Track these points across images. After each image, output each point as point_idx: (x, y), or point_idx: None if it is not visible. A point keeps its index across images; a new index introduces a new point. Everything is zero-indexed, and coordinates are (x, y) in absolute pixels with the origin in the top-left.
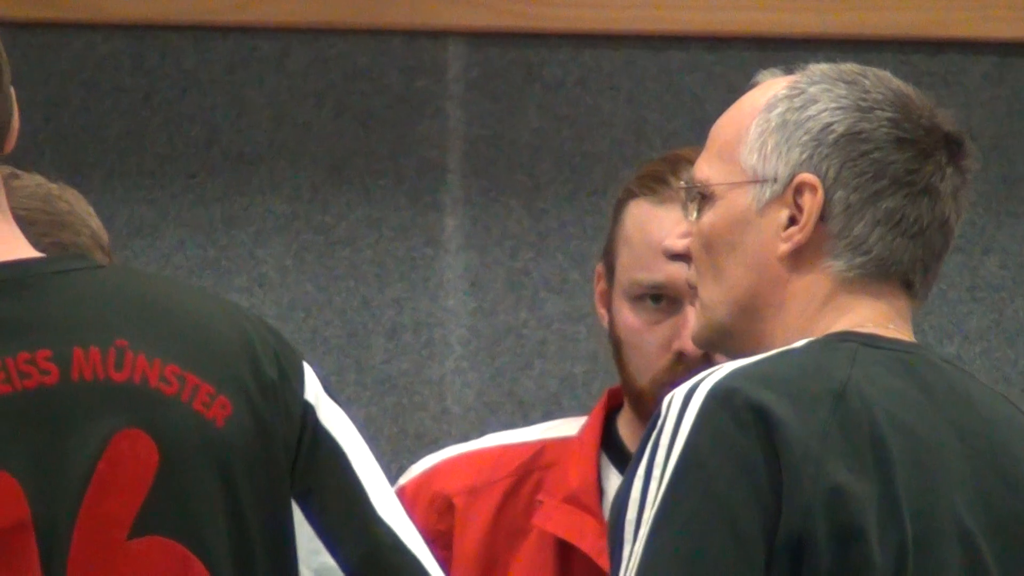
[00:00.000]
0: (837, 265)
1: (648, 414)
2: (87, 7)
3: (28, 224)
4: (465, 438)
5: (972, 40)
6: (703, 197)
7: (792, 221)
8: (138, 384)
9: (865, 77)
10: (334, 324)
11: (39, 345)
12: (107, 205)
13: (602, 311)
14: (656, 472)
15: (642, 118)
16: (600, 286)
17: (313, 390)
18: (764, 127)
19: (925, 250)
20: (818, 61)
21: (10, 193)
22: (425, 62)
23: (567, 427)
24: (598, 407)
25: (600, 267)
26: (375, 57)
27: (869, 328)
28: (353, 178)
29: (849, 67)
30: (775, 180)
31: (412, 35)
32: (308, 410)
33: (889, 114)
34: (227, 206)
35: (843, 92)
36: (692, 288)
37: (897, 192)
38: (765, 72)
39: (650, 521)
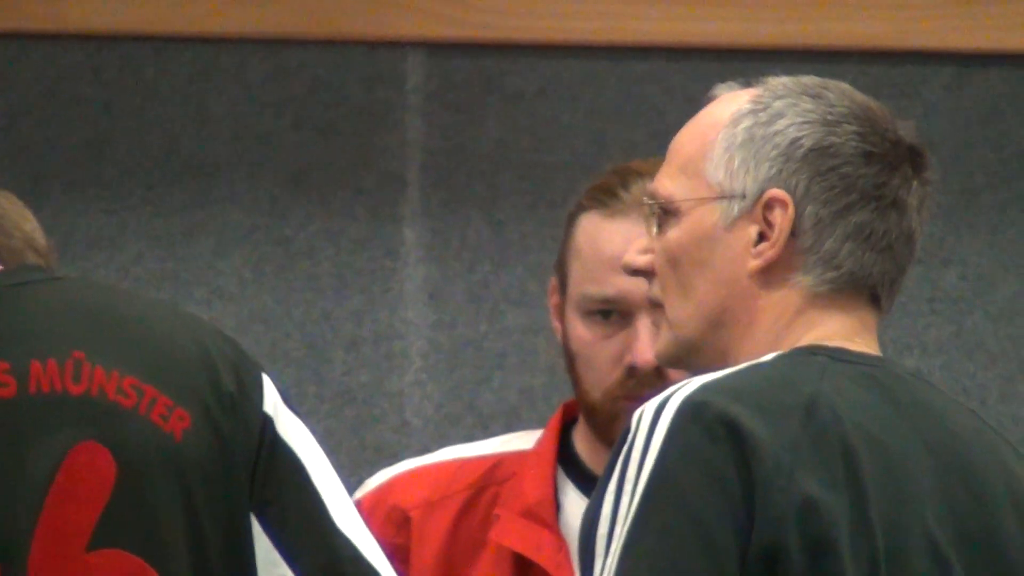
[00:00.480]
0: (807, 280)
1: (602, 427)
2: (47, 17)
3: None
4: (425, 451)
5: (932, 51)
6: (666, 213)
7: (762, 237)
8: (96, 396)
9: (828, 90)
10: (293, 336)
11: None
12: (66, 216)
13: (556, 324)
14: (628, 487)
15: (602, 129)
16: (554, 299)
17: (272, 402)
18: (730, 142)
19: (893, 263)
20: (779, 72)
21: None
22: (384, 73)
23: (523, 440)
24: (553, 420)
25: (554, 280)
26: (335, 68)
27: (836, 342)
28: (312, 190)
29: (810, 80)
30: (743, 196)
31: (372, 46)
32: (267, 423)
33: (855, 128)
34: (186, 218)
35: (809, 106)
36: (655, 305)
37: (866, 206)
38: (723, 85)
39: (623, 536)
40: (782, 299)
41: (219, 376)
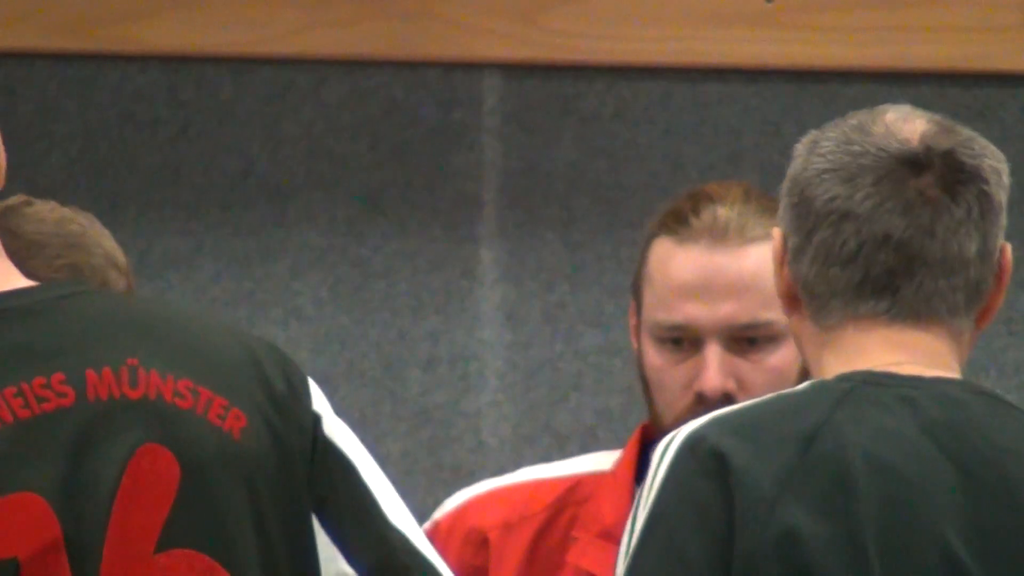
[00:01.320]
0: (807, 311)
1: None
2: (123, 39)
3: (41, 247)
4: (501, 471)
5: (1009, 73)
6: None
7: None
8: (153, 400)
9: (852, 116)
10: (370, 357)
11: (53, 369)
12: (143, 237)
13: (635, 345)
14: (635, 524)
15: (678, 151)
16: (632, 320)
17: (319, 402)
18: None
19: (868, 271)
20: (855, 94)
21: (23, 219)
22: (461, 94)
23: (602, 461)
24: (632, 441)
25: (633, 301)
26: (411, 89)
27: (884, 367)
28: (389, 210)
29: (856, 113)
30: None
31: (448, 67)
32: (317, 421)
33: (828, 147)
34: (263, 238)
35: (812, 137)
36: None
37: (820, 224)
38: None
39: (623, 573)
40: (807, 331)
41: (268, 377)
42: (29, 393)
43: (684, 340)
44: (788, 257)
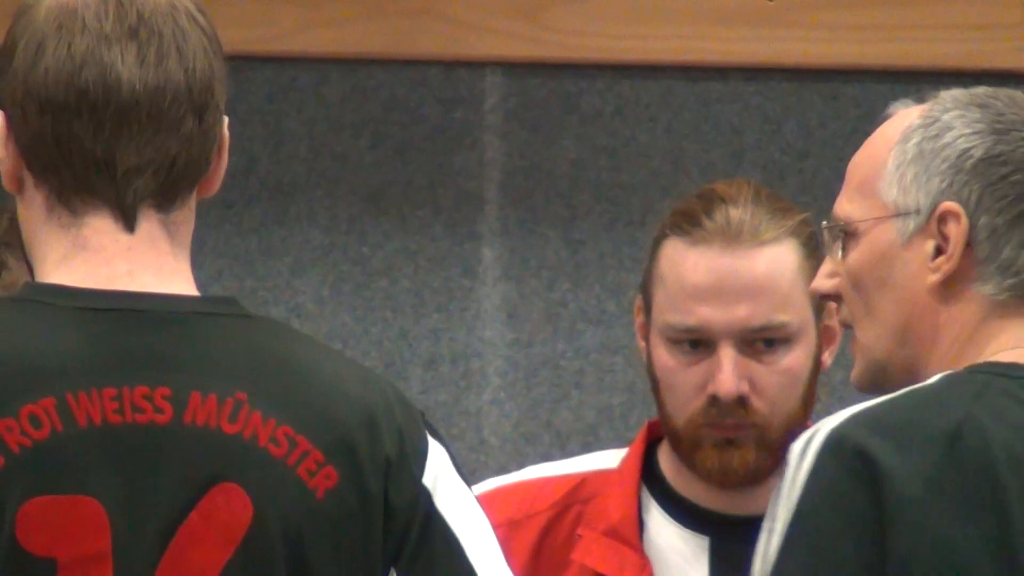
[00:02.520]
0: (987, 289)
1: (685, 452)
2: None
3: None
4: (503, 469)
5: (1010, 71)
6: (847, 235)
7: (938, 251)
8: (247, 440)
9: (997, 99)
10: (371, 355)
11: (160, 382)
12: None
13: (641, 343)
14: (777, 525)
15: (680, 149)
16: (639, 319)
17: (433, 472)
18: (901, 159)
19: None
20: (856, 92)
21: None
22: (462, 92)
23: (607, 459)
24: (638, 439)
25: (639, 300)
26: (412, 88)
27: (1011, 356)
28: (390, 209)
29: (982, 90)
30: (917, 212)
31: (449, 66)
32: (423, 495)
33: (1022, 133)
34: (264, 236)
35: (977, 116)
36: (847, 328)
37: None
38: (897, 104)
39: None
40: (962, 312)
41: (380, 439)
42: (127, 400)
43: (697, 342)
44: (973, 236)
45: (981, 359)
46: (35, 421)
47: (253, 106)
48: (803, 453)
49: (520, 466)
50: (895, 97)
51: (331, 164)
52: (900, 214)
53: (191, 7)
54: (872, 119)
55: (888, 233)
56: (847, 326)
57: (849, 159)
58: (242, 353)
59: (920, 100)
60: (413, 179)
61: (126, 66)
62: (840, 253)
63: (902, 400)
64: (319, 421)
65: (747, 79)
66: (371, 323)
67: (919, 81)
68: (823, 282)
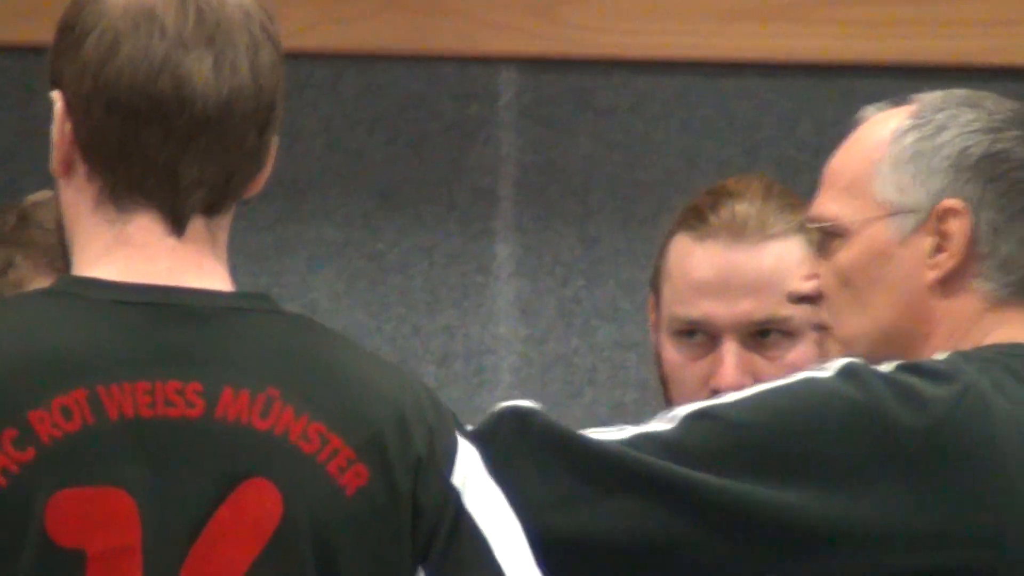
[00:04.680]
0: (988, 286)
1: None
2: None
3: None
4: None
5: None
6: (833, 235)
7: (938, 249)
8: (278, 436)
9: (985, 100)
10: (385, 351)
11: (192, 377)
12: None
13: (654, 339)
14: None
15: (695, 145)
16: (652, 316)
17: (463, 473)
18: (898, 158)
19: None
20: (871, 88)
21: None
22: (477, 89)
23: None
24: None
25: (651, 297)
26: (427, 84)
27: (1019, 339)
28: (405, 205)
29: (962, 92)
30: (917, 210)
31: (464, 62)
32: (452, 494)
33: (1018, 132)
34: (279, 233)
35: (972, 116)
36: (821, 329)
37: None
38: (869, 107)
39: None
40: (959, 308)
41: (411, 438)
42: (160, 394)
43: (701, 336)
44: (976, 232)
45: (981, 345)
46: (66, 413)
47: None
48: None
49: None
50: (910, 93)
51: (346, 160)
52: (898, 213)
53: (264, 18)
54: None
55: (883, 232)
56: (821, 328)
57: None
58: (275, 349)
59: (895, 103)
60: (427, 175)
61: (202, 77)
62: (824, 253)
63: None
64: (351, 419)
65: (762, 75)
66: (385, 320)
67: (936, 77)
68: (801, 285)
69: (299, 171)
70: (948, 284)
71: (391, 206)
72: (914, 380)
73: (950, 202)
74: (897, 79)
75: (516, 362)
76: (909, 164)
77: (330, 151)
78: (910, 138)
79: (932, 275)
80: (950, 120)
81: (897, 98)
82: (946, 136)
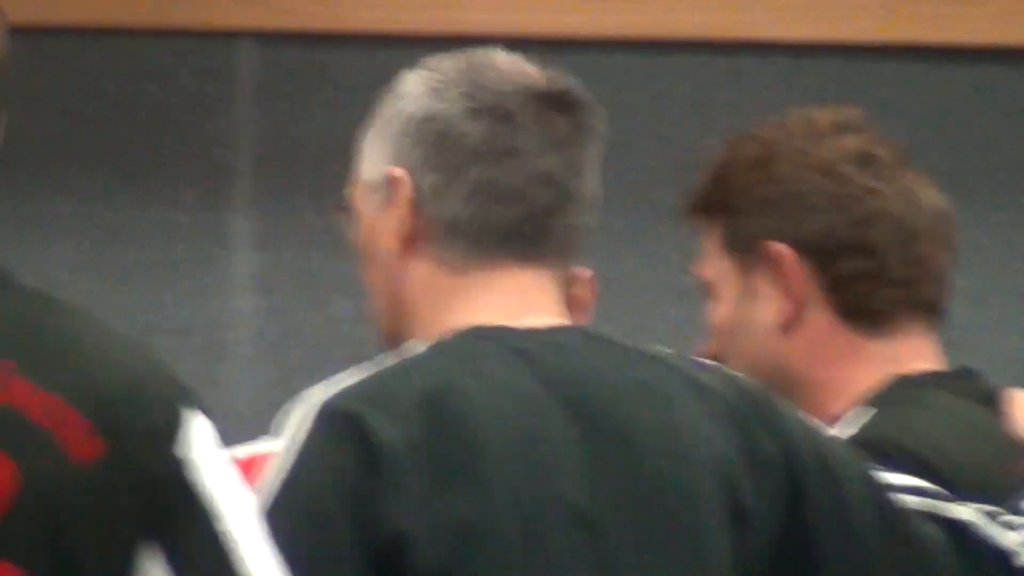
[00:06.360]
0: (442, 250)
1: None
2: None
3: None
4: (253, 439)
5: (766, 41)
6: (349, 213)
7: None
8: (15, 409)
9: (447, 60)
10: (122, 324)
11: None
12: None
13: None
14: (265, 496)
15: None
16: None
17: (196, 445)
18: (369, 133)
19: (528, 209)
20: (588, 63)
21: None
22: (216, 63)
23: None
24: None
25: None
26: (165, 58)
27: (496, 320)
28: (142, 179)
29: (445, 56)
30: (379, 181)
31: (203, 36)
32: (186, 469)
33: (462, 89)
34: (15, 207)
35: (421, 79)
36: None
37: (478, 162)
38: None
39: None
40: (429, 275)
41: (147, 411)
42: None
43: None
44: (417, 196)
45: (464, 324)
46: None
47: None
48: (297, 422)
49: (271, 435)
50: (646, 68)
51: (83, 134)
52: (369, 187)
53: None
54: (627, 90)
55: (367, 206)
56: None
57: None
58: (11, 323)
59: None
60: (166, 149)
61: None
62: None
63: (392, 369)
64: (87, 393)
65: (505, 49)
66: (122, 293)
67: (665, 52)
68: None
69: (35, 145)
70: (412, 252)
71: (129, 180)
72: (388, 386)
73: (391, 169)
74: (611, 54)
75: (254, 335)
76: (374, 137)
77: (67, 125)
78: (380, 109)
79: (392, 244)
80: (407, 85)
81: (561, 69)
82: (401, 104)
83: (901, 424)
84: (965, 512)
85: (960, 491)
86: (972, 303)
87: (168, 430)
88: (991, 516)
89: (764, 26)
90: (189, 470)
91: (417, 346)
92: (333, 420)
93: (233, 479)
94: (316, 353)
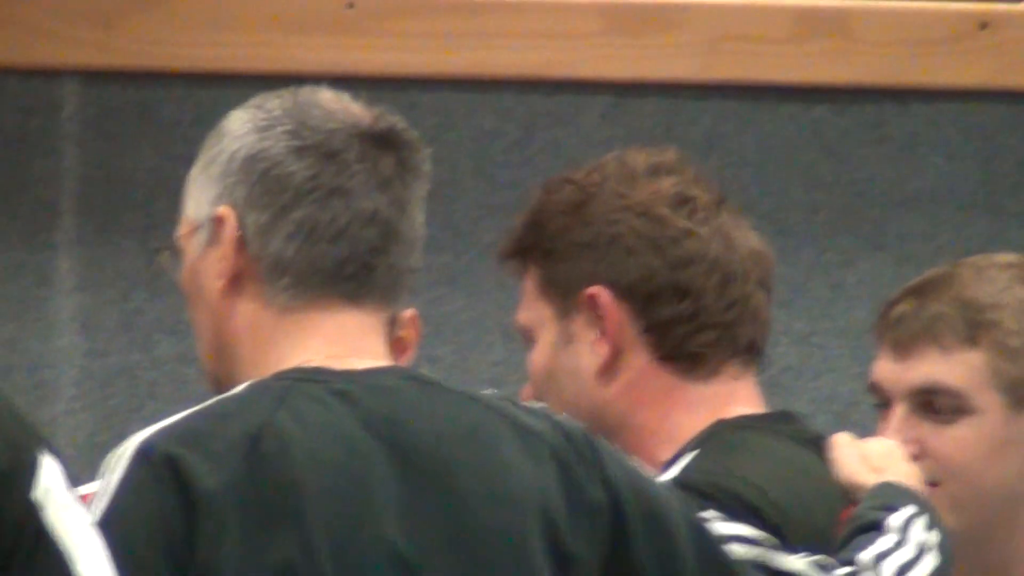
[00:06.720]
0: (267, 290)
1: None
2: None
3: None
4: (75, 480)
5: (589, 80)
6: (175, 252)
7: (222, 259)
8: None
9: (274, 98)
10: None
11: None
12: None
13: None
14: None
15: None
16: None
17: (44, 487)
18: (196, 171)
19: (353, 248)
20: (434, 102)
21: None
22: (40, 101)
23: None
24: None
25: None
26: None
27: (318, 361)
28: None
29: (271, 95)
30: (204, 220)
31: (26, 74)
32: (34, 509)
33: (288, 127)
34: None
35: (247, 117)
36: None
37: (302, 201)
38: None
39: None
40: (253, 315)
41: None
42: None
43: None
44: (242, 235)
45: (287, 365)
46: None
47: None
48: (114, 463)
49: (93, 477)
50: (472, 105)
51: None
52: (196, 225)
53: None
54: (450, 128)
55: (193, 247)
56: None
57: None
58: None
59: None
60: None
61: None
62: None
63: (209, 409)
64: None
65: (329, 87)
66: None
67: (496, 89)
68: None
69: None
70: (238, 292)
71: None
72: (205, 426)
73: (218, 209)
74: (458, 92)
75: (77, 375)
76: (200, 176)
77: None
78: (205, 148)
79: (218, 284)
80: (232, 124)
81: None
82: (225, 143)
83: (721, 467)
84: (797, 563)
85: (786, 535)
86: (797, 344)
87: (16, 473)
88: (823, 568)
89: (587, 64)
90: (43, 513)
91: (238, 387)
92: (149, 461)
93: (84, 520)
94: (141, 394)
